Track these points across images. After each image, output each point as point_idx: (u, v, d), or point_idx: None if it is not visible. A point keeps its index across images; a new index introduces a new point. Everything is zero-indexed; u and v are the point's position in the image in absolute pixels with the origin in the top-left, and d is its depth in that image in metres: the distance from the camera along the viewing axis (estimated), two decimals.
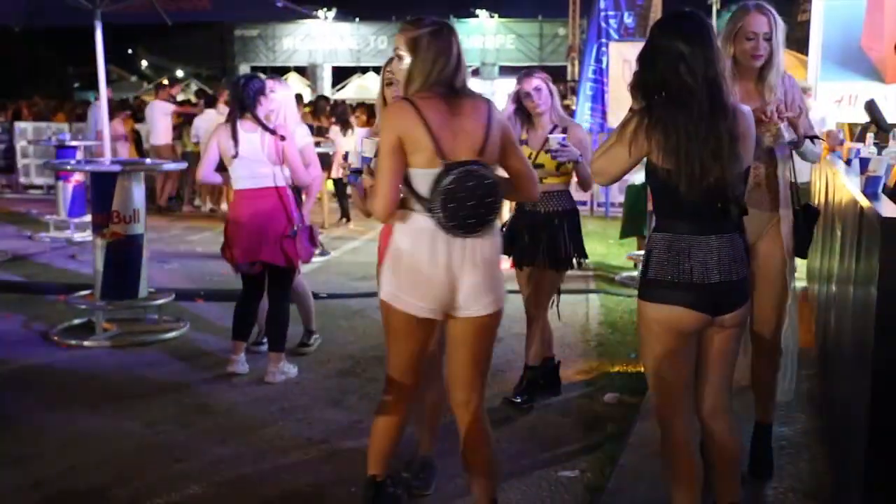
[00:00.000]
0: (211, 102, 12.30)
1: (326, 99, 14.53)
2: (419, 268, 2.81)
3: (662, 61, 2.66)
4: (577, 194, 4.78)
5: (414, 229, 2.82)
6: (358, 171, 3.10)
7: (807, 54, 9.04)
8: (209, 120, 10.65)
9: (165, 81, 15.91)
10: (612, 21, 12.40)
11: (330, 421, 4.27)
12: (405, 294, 2.84)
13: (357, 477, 3.22)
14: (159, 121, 12.15)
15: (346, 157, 5.76)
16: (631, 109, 2.75)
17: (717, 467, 2.93)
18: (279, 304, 4.99)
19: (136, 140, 13.45)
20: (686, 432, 2.84)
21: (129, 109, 14.94)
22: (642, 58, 2.71)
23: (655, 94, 2.68)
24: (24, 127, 15.06)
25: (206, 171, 4.99)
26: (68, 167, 8.15)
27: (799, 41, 12.12)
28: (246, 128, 4.80)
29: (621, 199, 9.48)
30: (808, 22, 11.05)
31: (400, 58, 2.84)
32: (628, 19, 12.71)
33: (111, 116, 13.07)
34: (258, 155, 4.78)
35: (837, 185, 4.35)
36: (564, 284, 4.69)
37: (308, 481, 3.65)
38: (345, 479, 3.60)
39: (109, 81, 8.76)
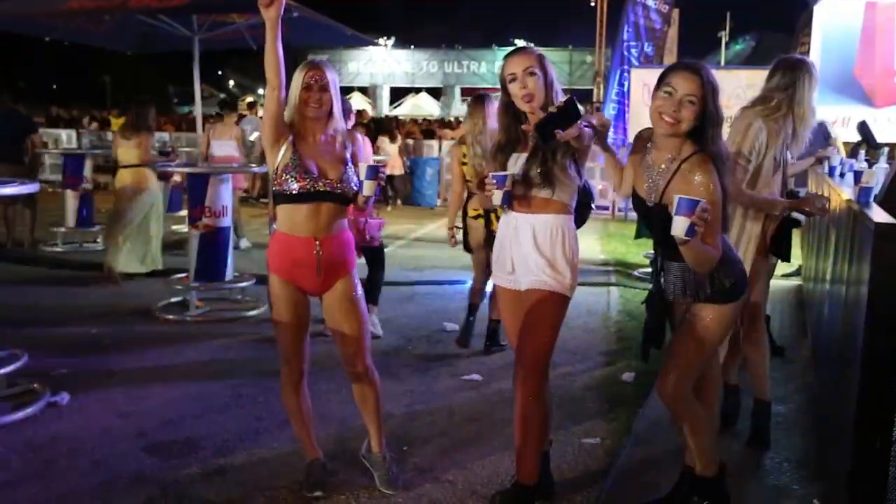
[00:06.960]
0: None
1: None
2: None
3: None
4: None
5: None
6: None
7: None
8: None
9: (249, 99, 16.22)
10: (633, 50, 12.28)
11: (389, 393, 4.27)
12: None
13: (413, 441, 3.21)
14: None
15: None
16: None
17: None
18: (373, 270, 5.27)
19: None
20: None
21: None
22: None
23: None
24: None
25: None
26: (169, 168, 8.29)
27: None
28: None
29: None
30: (807, 53, 10.83)
31: (534, 74, 2.89)
32: (648, 48, 12.55)
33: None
34: None
35: (832, 195, 4.26)
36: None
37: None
38: (400, 440, 3.62)
39: (203, 98, 8.94)
